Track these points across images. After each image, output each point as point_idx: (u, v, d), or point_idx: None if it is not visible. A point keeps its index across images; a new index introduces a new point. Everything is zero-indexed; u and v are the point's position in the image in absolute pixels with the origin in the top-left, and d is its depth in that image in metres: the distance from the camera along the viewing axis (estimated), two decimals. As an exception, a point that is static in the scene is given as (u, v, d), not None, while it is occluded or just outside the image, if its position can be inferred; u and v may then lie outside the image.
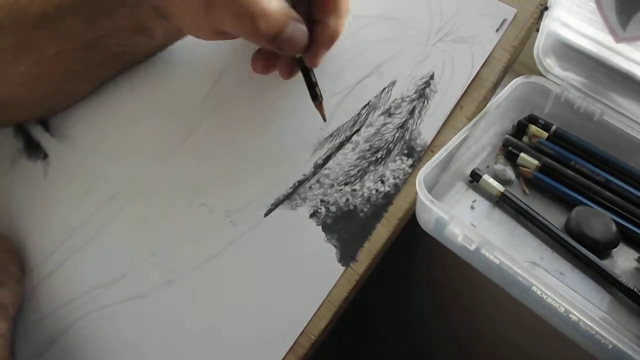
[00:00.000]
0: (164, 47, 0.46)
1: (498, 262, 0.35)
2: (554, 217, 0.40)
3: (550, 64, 0.43)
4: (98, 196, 0.43)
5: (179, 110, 0.44)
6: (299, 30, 0.36)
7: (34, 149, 0.46)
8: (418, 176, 0.36)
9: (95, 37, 0.40)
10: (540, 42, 0.42)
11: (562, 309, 0.33)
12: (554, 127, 0.44)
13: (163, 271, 0.40)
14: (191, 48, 0.46)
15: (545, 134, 0.44)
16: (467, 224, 0.38)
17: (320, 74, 0.42)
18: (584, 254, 0.38)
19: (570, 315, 0.33)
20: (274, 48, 0.37)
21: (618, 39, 0.39)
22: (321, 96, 0.40)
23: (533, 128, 0.44)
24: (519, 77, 0.43)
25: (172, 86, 0.45)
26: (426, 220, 0.38)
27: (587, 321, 0.32)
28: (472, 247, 0.35)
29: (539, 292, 0.34)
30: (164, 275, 0.39)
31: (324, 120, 0.42)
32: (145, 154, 0.43)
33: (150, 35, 0.42)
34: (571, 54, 0.43)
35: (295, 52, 0.38)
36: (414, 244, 0.44)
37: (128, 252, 0.41)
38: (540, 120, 0.44)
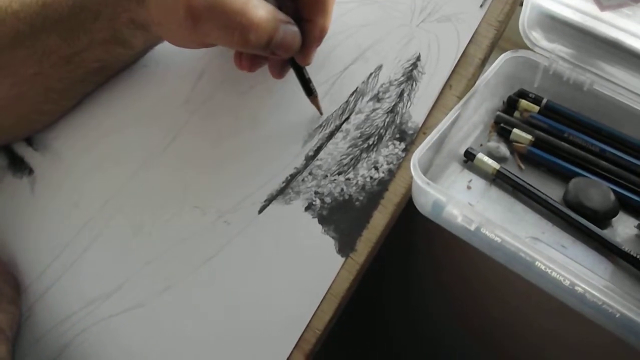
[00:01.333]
0: (144, 54, 0.45)
1: (499, 240, 0.35)
2: (552, 191, 0.39)
3: (537, 37, 0.43)
4: (87, 208, 0.42)
5: (162, 114, 0.44)
6: (290, 32, 0.36)
7: (18, 165, 0.45)
8: (412, 159, 0.36)
9: (72, 53, 0.39)
10: (525, 15, 0.42)
11: (567, 282, 0.33)
12: (544, 101, 0.43)
13: (159, 278, 0.39)
14: (169, 50, 0.45)
15: (537, 108, 0.43)
16: (465, 204, 0.37)
17: None
18: (584, 225, 0.38)
19: (576, 288, 0.33)
20: (266, 54, 0.37)
21: (602, 7, 0.39)
22: (315, 90, 0.40)
23: (524, 103, 0.43)
24: (506, 53, 0.43)
25: (152, 91, 0.45)
26: (423, 204, 0.38)
27: (593, 292, 0.32)
28: (472, 227, 0.35)
29: (542, 267, 0.34)
30: (160, 283, 0.39)
31: (321, 113, 0.41)
32: (131, 162, 0.43)
33: (129, 46, 0.41)
34: (557, 26, 0.42)
35: (289, 55, 0.38)
36: (413, 228, 0.44)
37: (122, 263, 0.40)
38: (530, 95, 0.44)
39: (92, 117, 0.45)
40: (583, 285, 0.32)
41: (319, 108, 0.41)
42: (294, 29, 0.36)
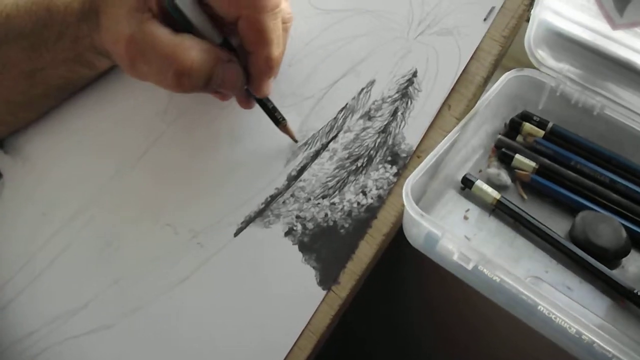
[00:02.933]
0: (109, 70, 0.45)
1: (498, 279, 0.33)
2: (557, 225, 0.38)
3: (543, 55, 0.41)
4: (56, 218, 0.41)
5: (138, 123, 0.43)
6: (230, 70, 0.36)
7: (-14, 169, 0.44)
8: (405, 186, 0.34)
9: (34, 68, 0.39)
10: (532, 32, 0.40)
11: (572, 330, 0.31)
12: (550, 125, 0.41)
13: (128, 299, 0.38)
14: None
15: (542, 132, 0.41)
16: (461, 238, 0.36)
17: (290, 76, 0.41)
18: (592, 264, 0.35)
19: (583, 337, 0.31)
20: (210, 93, 0.38)
21: (615, 26, 0.37)
22: (283, 118, 0.39)
23: (527, 126, 0.41)
24: (510, 71, 0.41)
25: (130, 98, 0.44)
26: (415, 236, 0.36)
27: (601, 343, 0.30)
28: (470, 266, 0.32)
29: (546, 312, 0.32)
30: (129, 303, 0.38)
31: (295, 141, 0.40)
32: (104, 171, 0.42)
33: (94, 68, 0.42)
34: (565, 44, 0.40)
35: (234, 92, 0.38)
36: (403, 261, 0.43)
37: (90, 279, 0.39)
38: (534, 118, 0.42)
39: (67, 123, 0.44)
40: (590, 336, 0.30)
41: (292, 136, 0.40)
42: (234, 66, 0.36)
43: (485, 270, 0.33)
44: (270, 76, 0.38)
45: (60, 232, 0.41)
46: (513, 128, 0.42)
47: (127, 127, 0.43)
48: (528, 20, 0.40)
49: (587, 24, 0.39)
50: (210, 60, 0.35)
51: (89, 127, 0.44)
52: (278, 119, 0.39)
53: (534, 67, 0.41)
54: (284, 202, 0.39)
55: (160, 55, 0.34)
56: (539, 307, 0.32)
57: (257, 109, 0.40)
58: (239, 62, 0.37)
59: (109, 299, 0.38)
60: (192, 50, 0.34)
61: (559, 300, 0.33)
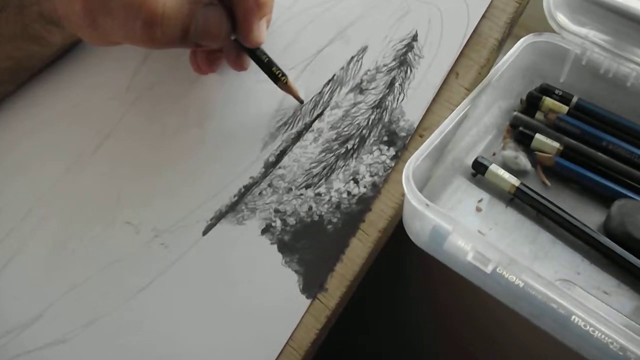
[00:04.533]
0: (66, 50, 0.43)
1: (522, 284, 0.29)
2: (588, 216, 0.35)
3: (565, 19, 0.38)
4: (8, 217, 0.39)
5: (96, 107, 0.41)
6: (211, 14, 0.33)
7: None
8: (405, 170, 0.32)
9: None
10: None
11: (616, 346, 0.27)
12: (575, 99, 0.39)
13: (84, 309, 0.37)
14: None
15: (565, 108, 0.39)
16: (475, 233, 0.32)
17: (269, 45, 0.39)
18: (632, 263, 0.32)
19: (628, 354, 0.27)
20: (189, 47, 0.36)
21: None
22: (283, 74, 0.37)
23: (548, 101, 0.39)
24: (527, 36, 0.39)
25: (87, 78, 0.42)
26: (418, 231, 0.33)
27: None
28: (489, 269, 0.28)
29: (582, 324, 0.28)
30: (85, 315, 0.36)
31: (300, 101, 0.38)
32: (58, 164, 0.41)
33: (45, 44, 0.40)
34: (590, 6, 0.38)
35: (219, 44, 0.36)
36: (404, 262, 0.41)
37: (44, 286, 0.37)
38: (556, 91, 0.39)
39: (16, 111, 0.43)
40: (637, 351, 0.27)
41: (295, 95, 0.38)
42: (217, 9, 0.34)
43: (506, 273, 0.29)
44: (261, 17, 0.35)
45: (13, 233, 0.39)
46: (531, 104, 0.40)
47: (84, 112, 0.42)
48: (546, -20, 0.39)
49: (615, -18, 0.38)
50: (185, 4, 0.32)
51: (40, 116, 0.42)
52: (277, 75, 0.37)
53: (554, 32, 0.39)
54: (260, 194, 0.37)
55: (125, 2, 0.31)
56: (573, 318, 0.28)
57: (232, 80, 0.38)
58: (222, 5, 0.35)
59: (64, 309, 0.37)
60: None
61: (594, 307, 0.29)
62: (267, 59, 0.37)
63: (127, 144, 0.40)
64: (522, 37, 0.41)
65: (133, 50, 0.41)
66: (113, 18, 0.32)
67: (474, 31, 0.38)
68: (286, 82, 0.37)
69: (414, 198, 0.31)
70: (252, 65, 0.38)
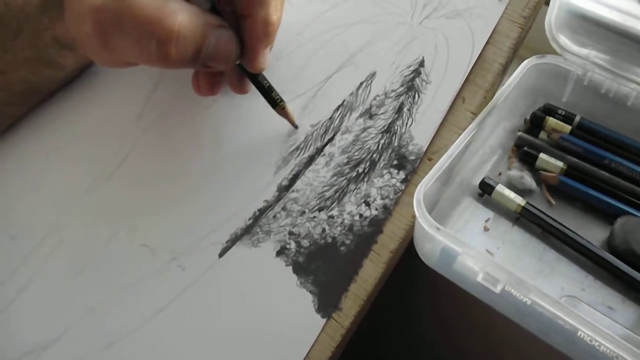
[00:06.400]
0: (79, 73, 0.43)
1: (529, 302, 0.30)
2: (592, 233, 0.35)
3: (566, 41, 0.39)
4: (25, 242, 0.39)
5: (111, 130, 0.42)
6: (223, 38, 0.33)
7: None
8: (416, 193, 0.32)
9: None
10: (552, 15, 0.39)
11: None
12: (577, 118, 0.39)
13: (102, 331, 0.37)
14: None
15: (568, 128, 0.39)
16: (483, 253, 0.33)
17: (279, 71, 0.40)
18: (636, 279, 0.33)
19: None
20: (199, 69, 0.35)
21: None
22: (281, 100, 0.37)
23: (552, 121, 0.39)
24: (530, 59, 0.39)
25: (101, 103, 0.42)
26: (429, 252, 0.33)
27: None
28: (498, 289, 0.29)
29: (588, 340, 0.29)
30: (102, 337, 0.36)
31: (295, 127, 0.39)
32: (75, 188, 0.40)
33: (58, 67, 0.40)
34: (590, 27, 0.38)
35: (228, 66, 0.35)
36: (415, 281, 0.40)
37: (62, 309, 0.37)
38: (559, 111, 0.40)
39: (31, 132, 0.43)
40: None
41: (291, 120, 0.38)
42: (227, 33, 0.33)
43: (514, 291, 0.29)
44: (267, 45, 0.35)
45: (30, 258, 0.39)
46: (535, 124, 0.40)
47: (99, 136, 0.42)
48: (547, 4, 0.39)
49: (615, 4, 0.37)
50: (201, 25, 0.32)
51: (57, 141, 0.42)
52: (275, 101, 0.37)
53: (556, 54, 0.39)
54: (274, 217, 0.37)
55: (139, 21, 0.30)
56: (579, 334, 0.29)
57: (244, 106, 0.38)
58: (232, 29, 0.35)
59: (82, 331, 0.37)
60: (178, 14, 0.30)
61: (600, 322, 0.29)
62: (267, 84, 0.37)
63: (142, 168, 0.40)
64: (525, 57, 0.41)
65: (145, 76, 0.42)
66: (126, 37, 0.31)
67: (479, 56, 0.38)
68: (284, 108, 0.37)
69: (425, 222, 0.31)
70: (259, 94, 0.38)
